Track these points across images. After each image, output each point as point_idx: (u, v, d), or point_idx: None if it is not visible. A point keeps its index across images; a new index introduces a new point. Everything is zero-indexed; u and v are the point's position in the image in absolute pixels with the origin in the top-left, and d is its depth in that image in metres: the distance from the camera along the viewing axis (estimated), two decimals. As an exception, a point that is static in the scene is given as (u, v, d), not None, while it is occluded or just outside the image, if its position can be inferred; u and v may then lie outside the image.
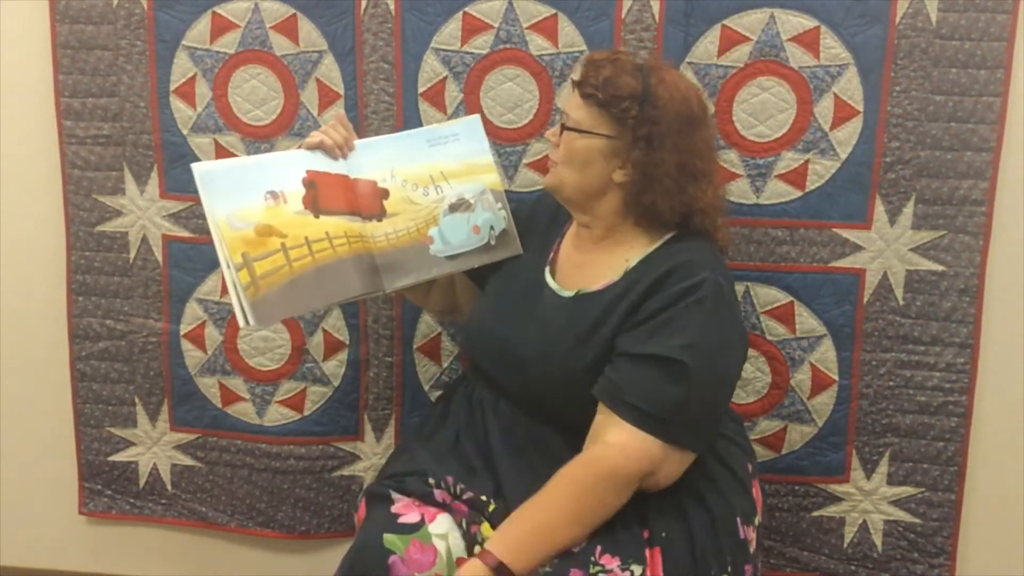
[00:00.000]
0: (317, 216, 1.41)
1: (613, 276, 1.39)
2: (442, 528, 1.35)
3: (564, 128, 1.40)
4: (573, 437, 1.35)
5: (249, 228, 1.34)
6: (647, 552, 1.30)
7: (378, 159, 1.50)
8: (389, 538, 1.32)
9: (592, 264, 1.43)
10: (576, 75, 1.41)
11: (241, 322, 1.32)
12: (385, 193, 1.49)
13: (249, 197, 1.36)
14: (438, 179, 1.52)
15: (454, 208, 1.52)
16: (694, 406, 1.30)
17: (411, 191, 1.50)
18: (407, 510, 1.37)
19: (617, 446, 1.28)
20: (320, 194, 1.42)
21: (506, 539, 1.27)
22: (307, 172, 1.43)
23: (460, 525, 1.36)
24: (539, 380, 1.39)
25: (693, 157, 1.36)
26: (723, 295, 1.34)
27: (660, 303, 1.31)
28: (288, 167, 1.42)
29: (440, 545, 1.32)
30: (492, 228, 1.53)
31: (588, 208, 1.43)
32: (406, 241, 1.48)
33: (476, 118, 1.59)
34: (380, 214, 1.48)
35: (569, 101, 1.41)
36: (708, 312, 1.31)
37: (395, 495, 1.40)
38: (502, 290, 1.52)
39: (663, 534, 1.32)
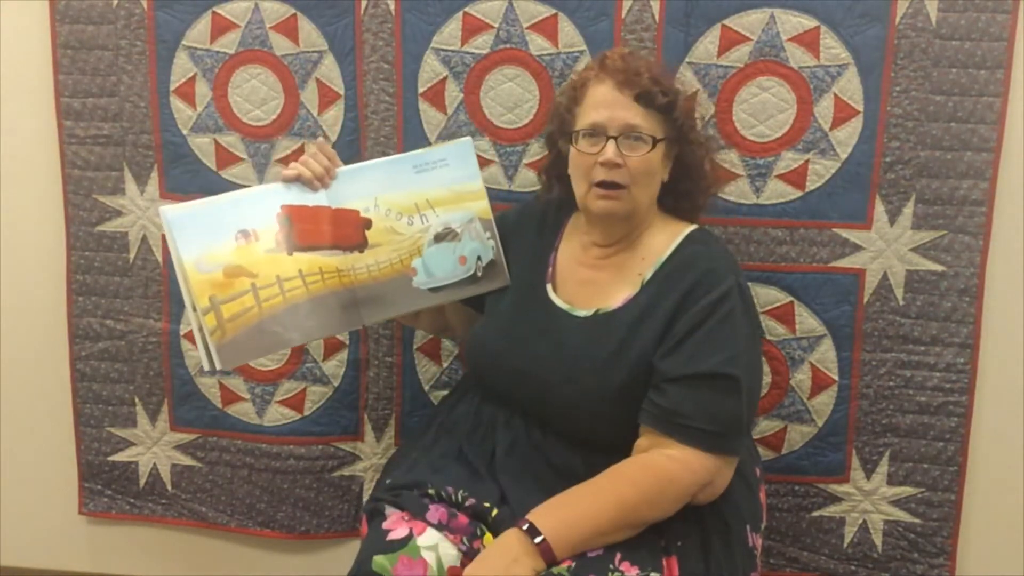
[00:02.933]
0: (291, 253, 1.36)
1: (631, 291, 1.36)
2: (431, 540, 1.32)
3: (655, 142, 1.31)
4: (591, 453, 1.34)
5: (218, 270, 1.30)
6: (664, 561, 1.29)
7: (361, 187, 1.44)
8: (378, 560, 1.30)
9: (603, 281, 1.40)
10: (632, 88, 1.31)
11: (206, 365, 1.29)
12: (368, 223, 1.43)
13: (219, 238, 1.32)
14: (423, 207, 1.46)
15: (440, 238, 1.46)
16: (746, 414, 1.31)
17: (395, 220, 1.44)
18: (396, 525, 1.34)
19: (680, 461, 1.27)
20: (295, 230, 1.37)
21: (550, 518, 1.23)
22: (282, 207, 1.37)
23: (461, 542, 1.32)
24: (563, 403, 1.36)
25: (696, 131, 1.37)
26: (746, 298, 1.35)
27: (693, 321, 1.30)
28: (262, 203, 1.37)
29: (429, 556, 1.30)
30: (479, 259, 1.47)
31: (636, 221, 1.38)
32: (388, 273, 1.43)
33: (467, 141, 1.50)
34: (362, 245, 1.42)
35: (630, 115, 1.31)
36: (739, 320, 1.31)
37: (388, 509, 1.38)
38: (505, 312, 1.47)
39: (679, 543, 1.31)
